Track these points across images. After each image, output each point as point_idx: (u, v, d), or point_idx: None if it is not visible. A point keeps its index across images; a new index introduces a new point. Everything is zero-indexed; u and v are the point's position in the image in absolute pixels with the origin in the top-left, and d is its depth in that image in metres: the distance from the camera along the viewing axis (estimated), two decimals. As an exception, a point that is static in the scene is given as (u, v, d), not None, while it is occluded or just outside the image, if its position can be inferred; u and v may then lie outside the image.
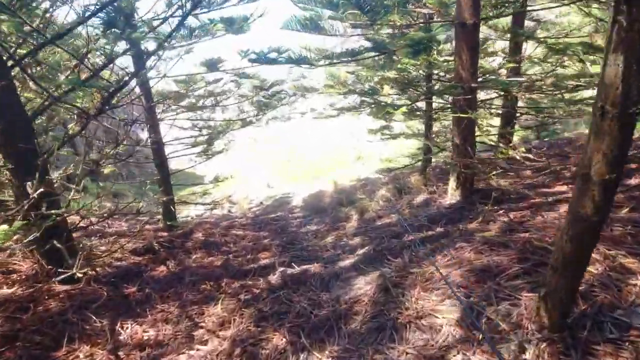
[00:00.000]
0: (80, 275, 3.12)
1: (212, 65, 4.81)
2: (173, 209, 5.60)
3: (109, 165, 5.44)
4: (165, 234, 5.21)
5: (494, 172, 4.08)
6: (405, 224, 3.99)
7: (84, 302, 2.90)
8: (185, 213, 7.69)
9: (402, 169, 8.86)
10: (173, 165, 15.37)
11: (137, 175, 12.80)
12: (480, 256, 2.54)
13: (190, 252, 4.49)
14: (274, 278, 3.21)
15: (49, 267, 3.20)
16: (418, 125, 8.35)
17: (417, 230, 3.66)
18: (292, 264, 3.65)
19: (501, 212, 3.48)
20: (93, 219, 3.81)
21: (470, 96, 4.00)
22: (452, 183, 4.50)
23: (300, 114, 28.48)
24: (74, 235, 4.91)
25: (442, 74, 5.96)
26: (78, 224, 3.47)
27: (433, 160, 8.01)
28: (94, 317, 2.62)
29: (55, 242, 3.05)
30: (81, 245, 4.25)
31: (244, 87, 5.42)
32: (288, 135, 15.33)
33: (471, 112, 3.90)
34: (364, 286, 2.68)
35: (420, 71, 5.21)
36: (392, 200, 5.34)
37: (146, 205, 6.01)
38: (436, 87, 5.65)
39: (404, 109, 3.96)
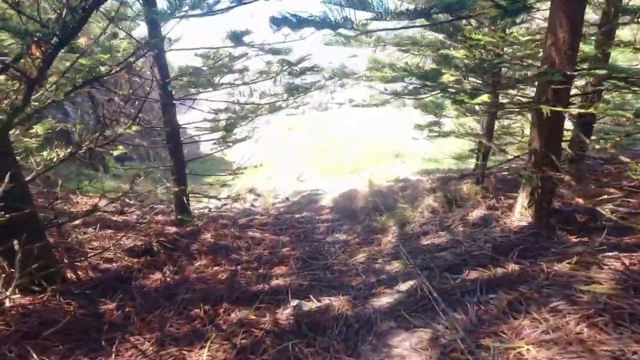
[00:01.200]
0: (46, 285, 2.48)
1: (238, 38, 4.04)
2: (186, 200, 4.94)
3: (120, 147, 4.85)
4: (173, 229, 4.57)
5: (604, 197, 3.08)
6: (462, 250, 3.08)
7: (38, 325, 2.23)
8: (204, 203, 7.08)
9: (447, 172, 7.83)
10: (203, 148, 15.00)
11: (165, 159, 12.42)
12: (600, 335, 1.62)
13: (194, 256, 3.79)
14: (284, 315, 2.42)
15: (11, 270, 2.58)
16: (471, 123, 7.27)
17: (479, 262, 2.75)
18: (311, 291, 2.86)
19: (602, 249, 2.51)
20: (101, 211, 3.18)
21: (562, 87, 3.01)
22: (522, 199, 3.53)
23: (338, 104, 27.65)
24: (76, 223, 4.38)
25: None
26: (53, 220, 2.82)
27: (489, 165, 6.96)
28: (35, 357, 1.94)
29: (15, 242, 2.42)
30: (73, 238, 3.67)
31: (274, 67, 4.63)
32: (325, 126, 14.49)
33: (562, 108, 2.92)
34: (409, 354, 1.84)
35: (491, 52, 4.20)
36: (440, 213, 4.41)
37: (164, 192, 5.44)
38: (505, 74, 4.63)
39: (484, 97, 3.03)
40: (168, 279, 3.26)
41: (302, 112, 26.86)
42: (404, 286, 2.64)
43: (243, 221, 5.52)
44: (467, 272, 2.61)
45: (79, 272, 3.10)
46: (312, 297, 2.68)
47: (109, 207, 5.61)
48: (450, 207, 4.46)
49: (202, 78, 3.71)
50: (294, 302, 2.50)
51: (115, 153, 4.91)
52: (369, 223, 4.71)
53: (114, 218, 5.06)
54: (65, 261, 3.09)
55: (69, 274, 3.04)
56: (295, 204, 6.71)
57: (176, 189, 4.84)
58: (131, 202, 6.57)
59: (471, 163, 8.52)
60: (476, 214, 4.00)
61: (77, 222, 4.18)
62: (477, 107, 5.56)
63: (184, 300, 2.81)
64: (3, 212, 2.26)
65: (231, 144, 4.96)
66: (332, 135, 12.97)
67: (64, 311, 2.46)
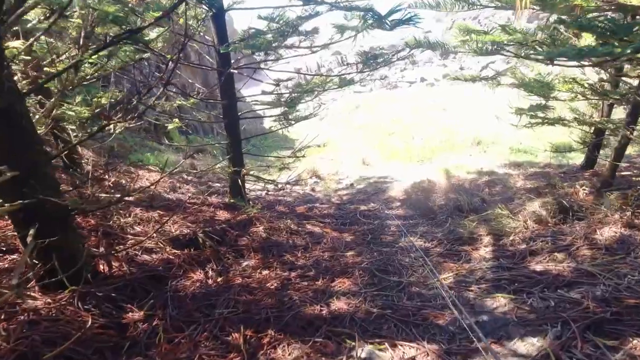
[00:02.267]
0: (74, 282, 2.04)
1: (307, -6, 3.30)
2: (240, 183, 4.43)
3: (175, 120, 4.44)
4: (224, 215, 4.10)
5: None
6: (603, 291, 2.16)
7: (42, 342, 1.79)
8: (263, 183, 6.61)
9: (544, 167, 6.56)
10: (267, 123, 14.71)
11: (247, 132, 12.27)
12: None
13: (242, 253, 3.26)
14: (348, 369, 1.75)
15: (38, 264, 2.19)
16: (584, 108, 5.92)
17: (634, 321, 1.84)
18: (383, 325, 2.15)
19: None
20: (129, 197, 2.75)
21: None
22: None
23: (409, 83, 26.08)
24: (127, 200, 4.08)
25: None
26: (81, 205, 2.38)
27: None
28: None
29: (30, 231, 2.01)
30: (115, 221, 3.30)
31: (353, 22, 3.82)
32: (394, 106, 13.41)
33: None
34: None
35: None
36: (550, 224, 3.41)
37: (221, 170, 5.02)
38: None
39: None
40: (210, 281, 2.75)
41: (369, 89, 25.66)
42: (522, 346, 1.82)
43: (302, 209, 4.93)
44: (627, 338, 1.72)
45: (114, 264, 2.69)
46: (385, 339, 1.98)
47: (166, 184, 5.33)
48: (564, 218, 3.44)
49: (264, 42, 3.05)
50: (363, 353, 1.81)
51: (170, 127, 4.51)
52: (453, 228, 3.85)
53: (167, 195, 4.73)
54: (98, 252, 2.69)
55: (102, 267, 2.63)
56: (361, 193, 5.98)
57: (231, 170, 4.34)
58: (189, 177, 6.30)
59: (574, 157, 7.10)
60: (608, 233, 2.98)
61: (128, 199, 3.85)
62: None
63: (222, 316, 2.26)
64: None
65: (293, 122, 4.32)
66: (401, 116, 11.91)
67: (81, 320, 2.02)
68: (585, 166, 5.76)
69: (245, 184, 5.32)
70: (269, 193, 5.86)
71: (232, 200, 4.47)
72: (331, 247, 3.50)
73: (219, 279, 2.80)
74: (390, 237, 3.87)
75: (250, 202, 4.88)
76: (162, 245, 3.10)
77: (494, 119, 10.14)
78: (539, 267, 2.71)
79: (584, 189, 4.11)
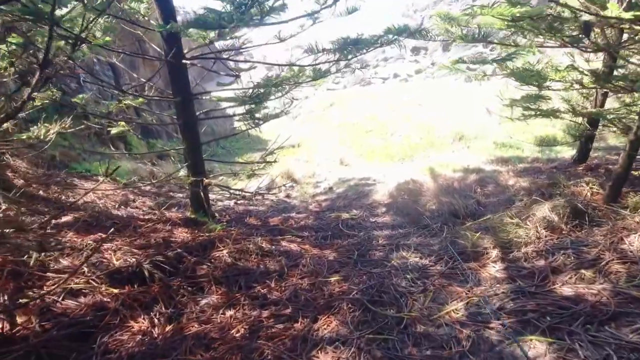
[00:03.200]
0: None
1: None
2: (203, 195, 3.77)
3: (121, 123, 3.73)
4: (183, 234, 3.43)
5: None
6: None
7: None
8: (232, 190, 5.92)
9: (532, 162, 6.20)
10: (238, 124, 13.99)
11: (215, 134, 11.43)
12: None
13: (202, 286, 2.61)
14: None
15: None
16: (574, 99, 5.55)
17: None
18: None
19: None
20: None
21: None
22: None
23: (382, 79, 25.78)
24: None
25: None
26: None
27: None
28: None
29: None
30: (28, 257, 2.57)
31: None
32: (369, 103, 12.92)
33: None
34: None
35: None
36: (565, 231, 2.94)
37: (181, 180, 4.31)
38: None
39: None
40: (155, 332, 2.09)
41: (343, 86, 25.20)
42: None
43: (276, 221, 4.30)
44: None
45: (19, 319, 1.99)
46: None
47: (117, 197, 4.59)
48: (580, 224, 2.97)
49: (215, 19, 2.40)
50: None
51: (113, 131, 3.79)
52: (451, 238, 3.32)
53: (116, 212, 4.00)
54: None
55: (1, 325, 1.93)
56: (341, 197, 5.40)
57: (190, 180, 3.67)
58: (147, 188, 5.54)
59: (561, 151, 6.80)
60: (638, 242, 2.52)
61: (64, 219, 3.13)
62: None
63: (166, 393, 1.62)
64: None
65: (261, 122, 3.68)
66: (376, 113, 11.43)
67: None
68: (577, 160, 5.41)
69: (210, 194, 4.65)
70: (239, 202, 5.19)
71: (193, 216, 3.79)
72: (312, 271, 2.90)
73: (168, 328, 2.14)
74: (379, 252, 3.31)
75: (216, 216, 4.22)
76: (95, 284, 2.41)
77: (473, 113, 9.83)
78: (568, 291, 2.21)
79: (592, 187, 3.68)
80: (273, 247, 3.35)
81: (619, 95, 5.15)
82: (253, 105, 3.27)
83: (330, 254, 3.28)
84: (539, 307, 2.10)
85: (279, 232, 3.89)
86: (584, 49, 4.59)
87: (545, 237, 2.92)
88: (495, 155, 6.80)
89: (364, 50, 3.28)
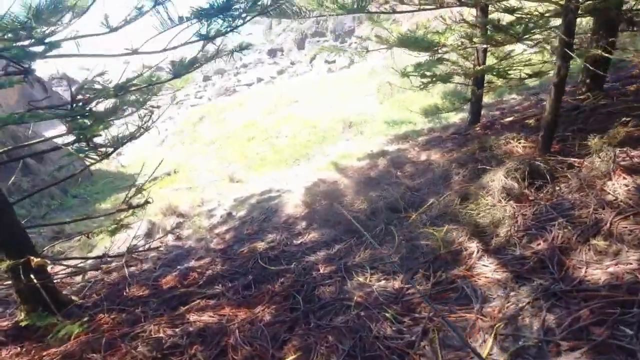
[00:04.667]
0: None
1: None
2: (36, 281, 2.36)
3: None
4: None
5: None
6: None
7: None
8: (98, 251, 4.33)
9: (432, 131, 6.04)
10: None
11: (55, 178, 8.88)
12: None
13: None
14: None
15: None
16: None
17: None
18: None
19: None
20: None
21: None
22: None
23: (247, 85, 24.89)
24: None
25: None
26: None
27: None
28: None
29: None
30: None
31: None
32: (240, 110, 11.84)
33: None
34: None
35: None
36: (532, 198, 2.48)
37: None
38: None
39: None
40: None
41: (207, 99, 23.49)
42: None
43: (170, 281, 3.06)
44: None
45: None
46: None
47: None
48: (540, 186, 2.54)
49: None
50: None
51: None
52: (411, 241, 2.62)
53: None
54: None
55: None
56: (247, 223, 4.34)
57: (5, 265, 2.23)
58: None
59: (447, 117, 6.86)
60: (619, 188, 2.14)
61: None
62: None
63: None
64: None
65: (109, 148, 2.42)
66: (253, 118, 10.48)
67: None
68: (472, 121, 5.35)
69: (59, 269, 3.15)
70: (108, 268, 3.70)
71: (26, 321, 2.34)
72: (250, 357, 1.85)
73: None
74: (329, 287, 2.42)
75: (74, 301, 2.78)
76: None
77: (351, 100, 9.64)
78: (601, 276, 1.64)
79: (518, 142, 3.39)
80: (177, 330, 2.17)
81: (493, 51, 5.23)
82: (83, 122, 2.01)
83: (265, 313, 2.26)
84: (592, 313, 1.47)
85: (180, 299, 2.69)
86: (457, 5, 4.42)
87: (517, 209, 2.41)
88: (391, 134, 6.52)
89: (240, 20, 2.31)
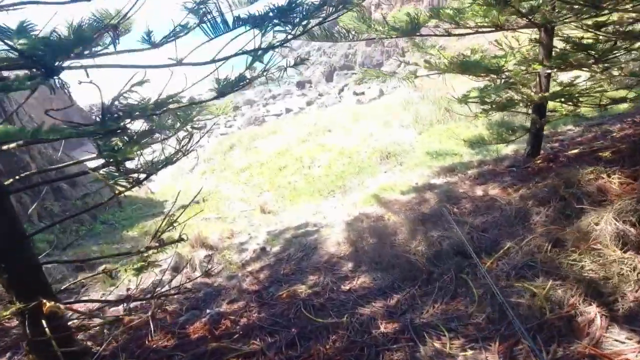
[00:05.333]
0: None
1: None
2: (46, 327, 1.98)
3: None
4: None
5: None
6: None
7: None
8: (122, 286, 3.98)
9: (481, 165, 5.54)
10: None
11: (85, 204, 8.88)
12: None
13: None
14: None
15: None
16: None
17: None
18: None
19: None
20: None
21: None
22: None
23: (275, 115, 25.25)
24: None
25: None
26: None
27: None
28: None
29: None
30: None
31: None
32: (272, 139, 11.70)
33: None
34: None
35: None
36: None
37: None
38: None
39: None
40: None
41: (237, 128, 23.77)
42: None
43: (199, 329, 2.63)
44: None
45: None
46: None
47: None
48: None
49: None
50: None
51: None
52: (502, 296, 2.10)
53: None
54: None
55: None
56: (283, 260, 3.91)
57: (10, 311, 1.88)
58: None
59: (500, 149, 6.33)
60: None
61: None
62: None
63: None
64: None
65: (142, 174, 2.10)
66: (285, 147, 10.26)
67: None
68: (531, 153, 4.81)
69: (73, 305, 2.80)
70: (132, 307, 3.32)
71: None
72: None
73: None
74: (398, 356, 1.92)
75: (87, 356, 2.38)
76: None
77: (386, 131, 9.27)
78: None
79: (612, 177, 2.86)
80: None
81: (554, 77, 4.78)
82: (116, 144, 1.68)
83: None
84: None
85: (212, 356, 2.25)
86: (518, 28, 4.04)
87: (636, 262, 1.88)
88: (434, 166, 6.05)
89: (300, 28, 1.99)
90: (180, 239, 2.54)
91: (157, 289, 2.98)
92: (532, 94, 4.34)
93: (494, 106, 4.00)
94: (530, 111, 4.72)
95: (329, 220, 4.96)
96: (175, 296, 3.50)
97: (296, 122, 12.79)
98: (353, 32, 3.89)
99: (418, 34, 3.99)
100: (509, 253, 2.56)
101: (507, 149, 5.95)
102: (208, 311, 3.00)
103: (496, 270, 2.42)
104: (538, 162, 4.66)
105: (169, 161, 2.17)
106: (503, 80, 3.62)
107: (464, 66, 3.68)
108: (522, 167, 4.71)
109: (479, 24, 3.86)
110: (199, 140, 2.49)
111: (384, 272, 2.96)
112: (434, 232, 3.19)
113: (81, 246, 6.42)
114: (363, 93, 27.95)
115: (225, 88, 2.29)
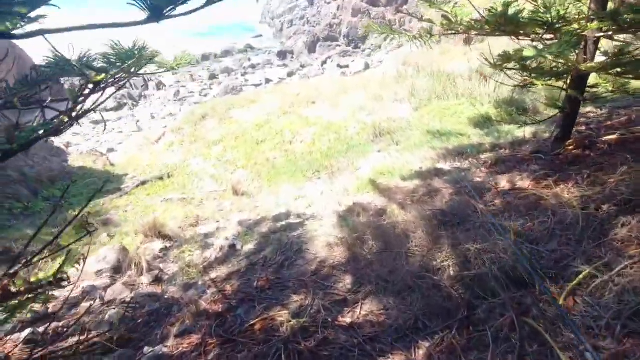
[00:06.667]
0: None
1: None
2: None
3: None
4: None
5: None
6: None
7: None
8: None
9: (493, 149, 4.72)
10: (75, 159, 10.17)
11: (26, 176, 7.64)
12: None
13: None
14: None
15: None
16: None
17: None
18: None
19: None
20: None
21: None
22: None
23: (254, 85, 23.81)
24: None
25: None
26: None
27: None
28: None
29: None
30: None
31: None
32: (250, 109, 10.52)
33: None
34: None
35: None
36: None
37: None
38: None
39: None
40: None
41: (212, 97, 22.20)
42: None
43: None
44: None
45: None
46: None
47: None
48: None
49: None
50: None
51: None
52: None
53: None
54: None
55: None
56: (258, 264, 3.00)
57: None
58: None
59: (512, 131, 5.52)
60: None
61: None
62: None
63: None
64: None
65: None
66: (264, 118, 9.16)
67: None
68: (562, 136, 4.00)
69: None
70: (38, 323, 2.35)
71: None
72: None
73: None
74: None
75: None
76: None
77: (378, 105, 8.31)
78: None
79: None
80: None
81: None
82: None
83: None
84: None
85: None
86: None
87: None
88: (438, 147, 5.19)
89: None
90: (88, 232, 1.57)
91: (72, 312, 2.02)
92: (577, 62, 3.47)
93: (533, 75, 3.11)
94: (564, 85, 3.88)
95: (315, 210, 4.06)
96: (108, 315, 2.56)
97: (277, 92, 11.60)
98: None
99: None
100: (589, 283, 1.74)
101: (521, 131, 5.15)
102: (146, 351, 2.08)
103: (579, 313, 1.59)
104: (570, 148, 3.86)
105: (47, 129, 1.18)
106: (561, 39, 2.70)
107: (506, 22, 2.75)
108: (552, 153, 3.91)
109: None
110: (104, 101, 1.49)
111: (398, 298, 2.10)
112: (467, 241, 2.34)
113: (12, 229, 5.30)
114: (347, 66, 26.70)
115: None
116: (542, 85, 3.26)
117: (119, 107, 21.85)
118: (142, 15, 1.37)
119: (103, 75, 1.29)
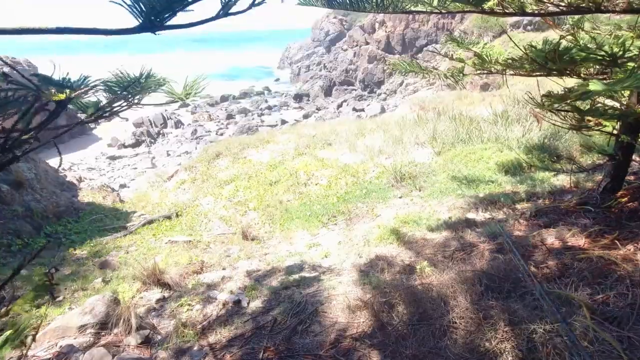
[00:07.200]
0: None
1: None
2: None
3: None
4: None
5: None
6: None
7: None
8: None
9: (529, 198, 4.27)
10: (86, 195, 9.98)
11: (31, 211, 7.39)
12: None
13: None
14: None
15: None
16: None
17: None
18: None
19: None
20: None
21: None
22: None
23: (270, 126, 24.15)
24: None
25: None
26: None
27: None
28: None
29: None
30: None
31: None
32: (265, 149, 10.35)
33: None
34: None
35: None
36: None
37: None
38: None
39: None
40: None
41: (228, 136, 22.39)
42: None
43: None
44: None
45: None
46: None
47: None
48: None
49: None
50: None
51: None
52: None
53: None
54: None
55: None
56: (266, 328, 2.55)
57: None
58: None
59: (546, 179, 5.09)
60: None
61: None
62: None
63: None
64: None
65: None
66: (278, 158, 8.92)
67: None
68: (612, 187, 3.55)
69: None
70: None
71: None
72: None
73: None
74: None
75: None
76: None
77: (395, 147, 8.00)
78: None
79: None
80: None
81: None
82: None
83: None
84: None
85: None
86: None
87: None
88: (467, 195, 4.76)
89: None
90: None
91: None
92: (631, 102, 3.10)
93: (590, 116, 2.75)
94: (614, 130, 3.49)
95: (332, 261, 3.62)
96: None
97: (292, 132, 11.48)
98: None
99: (481, 9, 2.77)
100: None
101: (558, 179, 4.71)
102: None
103: None
104: (624, 200, 3.40)
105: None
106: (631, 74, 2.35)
107: (560, 55, 2.44)
108: (602, 206, 3.45)
109: (573, 1, 2.65)
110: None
111: (444, 393, 1.61)
112: (530, 317, 1.87)
113: (5, 267, 4.95)
114: (363, 109, 26.98)
115: None
116: (613, 126, 2.88)
117: (136, 144, 22.21)
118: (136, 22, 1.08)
119: (64, 93, 0.96)
